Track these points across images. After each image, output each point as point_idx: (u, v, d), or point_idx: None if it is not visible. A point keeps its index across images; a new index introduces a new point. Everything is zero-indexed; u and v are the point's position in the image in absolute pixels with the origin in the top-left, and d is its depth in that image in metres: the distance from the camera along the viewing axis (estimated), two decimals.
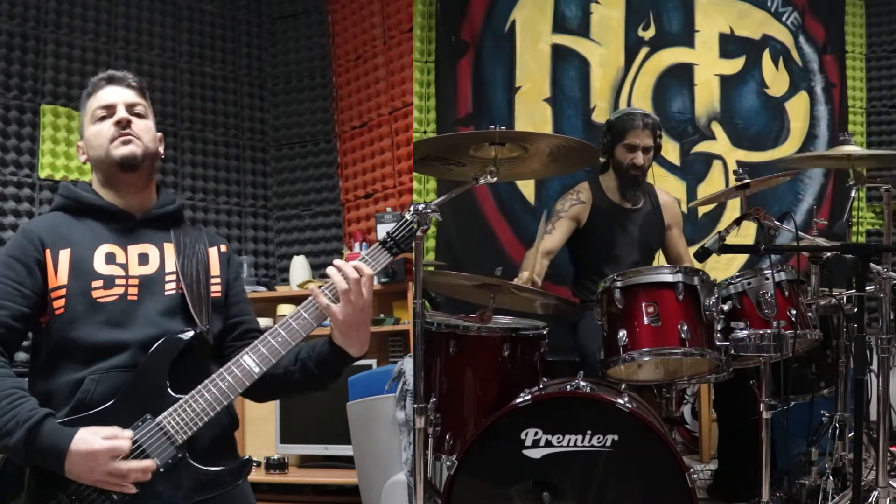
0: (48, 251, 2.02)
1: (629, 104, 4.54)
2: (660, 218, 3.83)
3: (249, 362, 1.99)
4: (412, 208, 2.28)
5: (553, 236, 3.70)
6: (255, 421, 4.47)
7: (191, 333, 2.03)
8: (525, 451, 2.71)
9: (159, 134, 2.20)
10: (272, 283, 4.96)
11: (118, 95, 2.16)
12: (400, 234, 2.21)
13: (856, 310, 2.81)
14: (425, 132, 4.42)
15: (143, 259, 2.11)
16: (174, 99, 4.75)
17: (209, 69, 4.86)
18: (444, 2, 4.38)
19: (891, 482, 2.83)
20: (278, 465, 4.20)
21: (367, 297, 2.02)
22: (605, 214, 3.72)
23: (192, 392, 1.90)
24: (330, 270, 2.04)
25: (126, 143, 2.09)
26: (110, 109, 2.12)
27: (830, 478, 3.21)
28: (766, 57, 4.97)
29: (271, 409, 4.33)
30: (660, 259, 3.87)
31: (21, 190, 4.18)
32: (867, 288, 2.76)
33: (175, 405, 1.88)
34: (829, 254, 3.14)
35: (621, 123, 3.74)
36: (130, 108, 2.13)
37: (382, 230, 4.17)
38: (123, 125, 2.09)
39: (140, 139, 2.10)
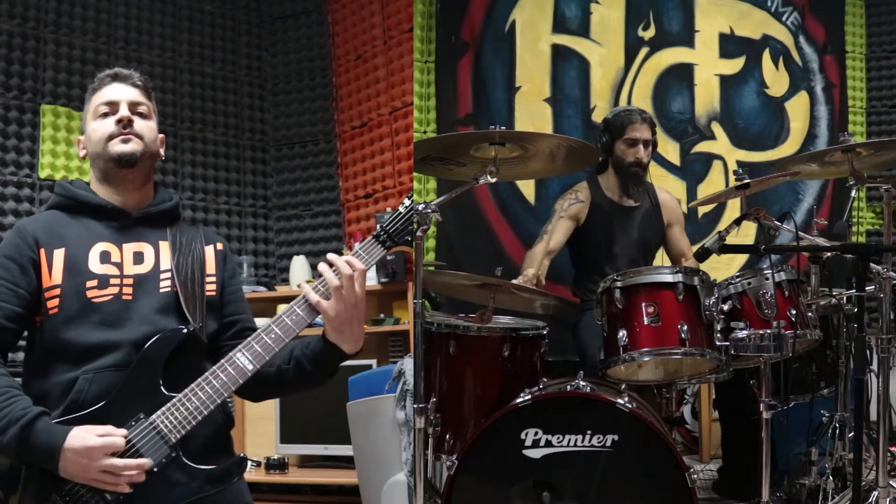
0: (42, 250, 2.02)
1: (629, 104, 4.55)
2: (659, 216, 3.83)
3: (243, 360, 1.98)
4: (406, 201, 2.28)
5: (553, 236, 3.70)
6: (255, 421, 4.47)
7: (183, 332, 2.02)
8: (525, 451, 2.70)
9: (161, 136, 2.20)
10: (272, 283, 4.96)
11: (122, 93, 2.15)
12: (393, 227, 2.20)
13: (856, 310, 2.77)
14: (425, 132, 4.42)
15: (138, 258, 2.10)
16: (174, 99, 4.75)
17: (209, 69, 4.88)
18: (444, 2, 4.38)
19: (891, 482, 2.83)
20: (278, 465, 4.20)
21: (359, 293, 2.02)
22: (605, 213, 3.71)
23: (186, 391, 1.90)
24: (322, 267, 2.03)
25: (125, 141, 2.08)
26: (113, 106, 2.11)
27: (830, 478, 3.19)
28: (766, 57, 4.96)
29: (271, 409, 4.34)
30: (661, 258, 3.87)
31: (21, 190, 4.19)
32: (867, 288, 2.74)
33: (168, 404, 1.88)
34: (829, 254, 3.12)
35: (619, 120, 3.73)
36: (134, 107, 2.13)
37: None
38: (125, 124, 2.08)
39: (141, 138, 2.09)
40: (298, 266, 4.74)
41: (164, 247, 2.13)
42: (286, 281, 4.83)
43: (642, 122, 3.71)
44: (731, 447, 3.54)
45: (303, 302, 2.06)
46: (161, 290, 2.07)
